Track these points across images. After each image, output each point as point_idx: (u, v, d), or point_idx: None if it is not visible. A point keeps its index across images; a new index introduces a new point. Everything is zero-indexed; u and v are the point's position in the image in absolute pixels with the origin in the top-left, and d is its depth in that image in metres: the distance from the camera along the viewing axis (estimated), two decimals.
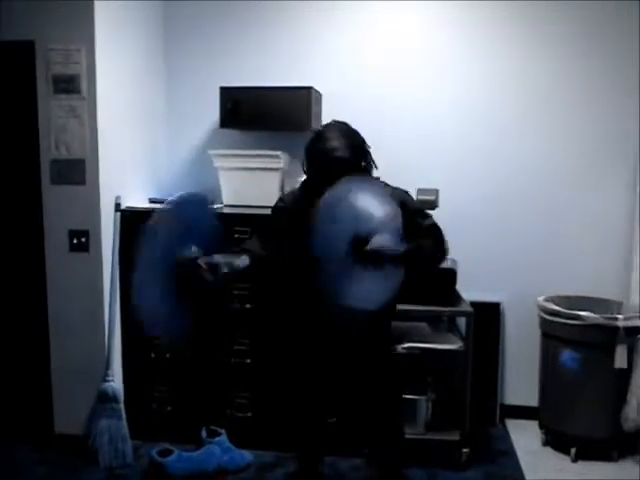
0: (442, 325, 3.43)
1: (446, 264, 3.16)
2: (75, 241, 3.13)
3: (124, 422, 3.15)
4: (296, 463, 2.72)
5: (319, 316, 2.39)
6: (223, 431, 3.15)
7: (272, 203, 3.39)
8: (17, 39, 3.06)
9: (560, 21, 3.45)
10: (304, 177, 2.37)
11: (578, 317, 3.07)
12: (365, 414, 2.54)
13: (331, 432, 2.91)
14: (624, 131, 3.44)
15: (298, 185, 2.47)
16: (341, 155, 2.17)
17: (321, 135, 2.25)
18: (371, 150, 2.32)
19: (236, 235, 3.15)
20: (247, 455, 3.12)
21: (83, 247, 3.13)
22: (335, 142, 2.19)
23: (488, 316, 3.46)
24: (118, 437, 3.12)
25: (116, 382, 3.20)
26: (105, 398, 3.14)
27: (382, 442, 2.54)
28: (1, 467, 3.10)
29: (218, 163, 3.44)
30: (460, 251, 3.33)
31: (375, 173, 2.38)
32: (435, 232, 2.35)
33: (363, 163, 2.28)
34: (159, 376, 3.32)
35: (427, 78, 3.57)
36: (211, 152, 3.46)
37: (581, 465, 3.16)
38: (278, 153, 3.36)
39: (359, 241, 2.07)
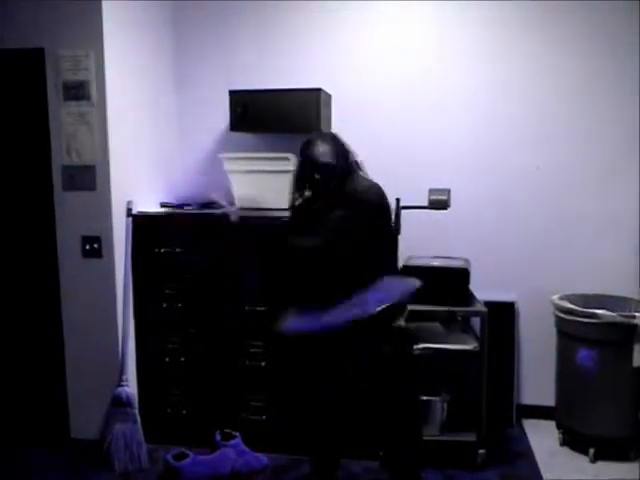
0: (456, 325, 3.40)
1: (459, 264, 3.16)
2: (88, 247, 3.15)
3: (139, 426, 3.16)
4: (310, 466, 2.72)
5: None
6: (238, 434, 3.15)
7: (283, 205, 3.43)
8: (27, 47, 3.08)
9: (565, 23, 3.43)
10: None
11: (594, 315, 3.03)
12: (381, 416, 2.53)
13: (346, 434, 2.90)
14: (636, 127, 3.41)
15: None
16: (326, 160, 2.43)
17: (309, 143, 2.51)
18: (358, 159, 2.57)
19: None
20: (262, 458, 3.12)
21: (96, 253, 3.14)
22: (321, 148, 2.46)
23: (503, 315, 3.42)
24: (133, 441, 3.13)
25: (130, 386, 3.21)
26: (120, 402, 3.15)
27: (399, 445, 2.52)
28: (17, 472, 3.12)
29: (228, 166, 3.44)
30: (473, 250, 3.36)
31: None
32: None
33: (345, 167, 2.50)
34: (173, 380, 3.32)
35: (438, 78, 3.55)
36: (221, 156, 3.47)
37: (600, 465, 3.11)
38: (288, 155, 3.35)
39: None
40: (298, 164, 2.63)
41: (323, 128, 3.35)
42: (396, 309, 2.48)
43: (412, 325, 2.63)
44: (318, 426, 2.62)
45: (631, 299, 3.31)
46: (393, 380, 2.47)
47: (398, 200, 2.95)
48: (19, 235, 3.35)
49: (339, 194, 2.44)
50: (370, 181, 2.53)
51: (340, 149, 2.50)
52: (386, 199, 2.52)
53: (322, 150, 2.46)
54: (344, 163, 2.49)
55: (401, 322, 2.49)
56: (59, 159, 3.13)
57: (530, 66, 3.48)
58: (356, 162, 2.56)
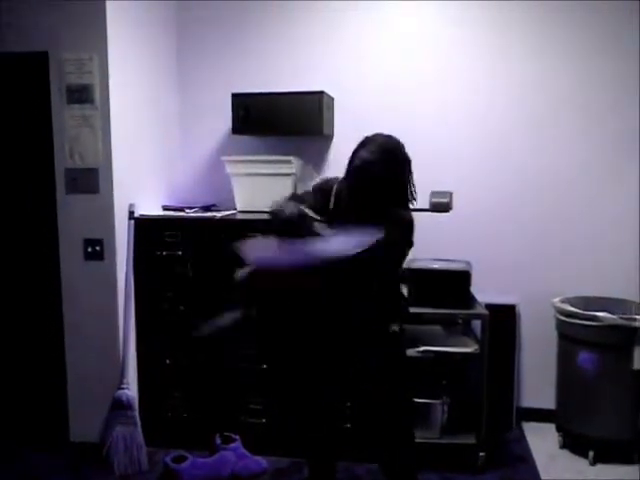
0: (457, 328, 3.41)
1: (460, 266, 3.17)
2: (90, 249, 3.14)
3: (139, 429, 3.15)
4: (308, 469, 2.71)
5: (328, 315, 2.44)
6: (237, 437, 3.15)
7: None
8: (31, 50, 3.09)
9: (569, 23, 3.45)
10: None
11: (595, 318, 3.04)
12: (374, 417, 2.53)
13: (346, 437, 2.90)
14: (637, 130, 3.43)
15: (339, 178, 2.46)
16: (372, 169, 2.24)
17: (360, 144, 2.33)
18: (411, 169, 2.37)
19: None
20: (262, 461, 3.11)
21: (98, 255, 3.14)
22: (369, 154, 2.26)
23: (503, 318, 3.43)
24: (133, 444, 3.12)
25: (131, 389, 3.21)
26: (120, 405, 3.14)
27: (391, 446, 2.52)
28: (17, 475, 3.10)
29: (231, 169, 3.45)
30: (475, 253, 3.36)
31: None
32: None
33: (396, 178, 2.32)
34: (174, 383, 3.32)
35: (441, 80, 3.57)
36: (224, 158, 3.48)
37: (600, 468, 3.12)
38: (290, 158, 3.37)
39: None
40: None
41: (326, 131, 3.38)
42: (390, 313, 2.49)
43: (408, 328, 2.62)
44: (321, 428, 2.61)
45: (632, 302, 3.32)
46: (385, 383, 2.47)
47: None
48: (21, 237, 3.36)
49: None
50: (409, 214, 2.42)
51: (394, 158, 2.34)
52: (412, 233, 2.40)
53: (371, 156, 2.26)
54: (400, 193, 2.36)
55: (394, 327, 2.48)
56: (62, 162, 3.13)
57: (530, 68, 3.49)
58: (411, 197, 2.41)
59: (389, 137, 2.37)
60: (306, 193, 2.51)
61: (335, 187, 2.42)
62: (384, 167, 2.26)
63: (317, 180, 2.61)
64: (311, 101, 3.28)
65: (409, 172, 2.38)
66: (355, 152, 2.32)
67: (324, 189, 2.44)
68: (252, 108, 3.33)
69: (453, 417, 3.20)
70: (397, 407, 2.48)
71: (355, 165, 2.28)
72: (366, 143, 2.32)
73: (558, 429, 3.35)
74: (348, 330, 2.43)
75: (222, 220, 3.27)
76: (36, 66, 3.10)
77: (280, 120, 3.33)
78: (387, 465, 2.56)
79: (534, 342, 3.58)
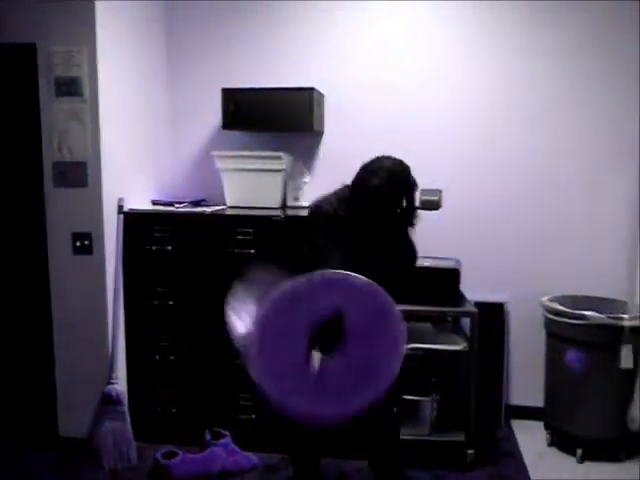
0: (446, 326, 3.42)
1: (449, 264, 3.17)
2: (78, 244, 3.13)
3: (128, 424, 3.15)
4: (294, 467, 2.70)
5: None
6: (227, 433, 3.15)
7: (275, 204, 3.44)
8: (19, 42, 3.06)
9: (562, 23, 3.44)
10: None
11: (583, 317, 3.05)
12: (369, 416, 2.53)
13: (334, 434, 2.90)
14: (630, 131, 3.42)
15: (333, 197, 2.41)
16: (383, 193, 2.21)
17: (369, 170, 2.27)
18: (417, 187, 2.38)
19: (239, 237, 3.16)
20: (252, 457, 3.11)
21: (86, 249, 3.13)
22: (380, 180, 2.22)
23: (492, 316, 3.43)
24: (122, 439, 3.12)
25: (120, 384, 3.20)
26: (109, 400, 3.14)
27: (378, 443, 2.52)
28: (6, 470, 3.10)
29: (221, 164, 3.44)
30: (464, 251, 3.37)
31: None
32: None
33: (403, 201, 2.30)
34: (163, 378, 3.32)
35: (431, 78, 3.56)
36: (214, 153, 3.47)
37: (587, 466, 3.14)
38: (280, 154, 3.36)
39: None
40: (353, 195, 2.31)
41: (316, 128, 3.37)
42: None
43: None
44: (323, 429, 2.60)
45: (620, 301, 3.33)
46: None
47: None
48: (9, 231, 3.33)
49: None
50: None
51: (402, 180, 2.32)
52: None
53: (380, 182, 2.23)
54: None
55: None
56: (50, 155, 3.11)
57: (524, 67, 3.48)
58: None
59: (395, 160, 2.33)
60: (316, 240, 2.38)
61: (341, 209, 2.37)
62: (394, 191, 2.25)
63: (314, 208, 2.44)
64: (301, 97, 3.27)
65: (414, 188, 2.37)
66: (365, 178, 2.26)
67: (332, 218, 2.37)
68: (242, 103, 3.32)
69: (442, 414, 3.21)
70: (391, 404, 2.49)
71: (369, 194, 2.24)
72: (374, 169, 2.27)
73: (546, 427, 3.36)
74: None
75: (212, 215, 3.26)
76: (24, 58, 3.07)
77: (270, 116, 3.31)
78: (375, 461, 2.57)
79: (523, 340, 3.59)
